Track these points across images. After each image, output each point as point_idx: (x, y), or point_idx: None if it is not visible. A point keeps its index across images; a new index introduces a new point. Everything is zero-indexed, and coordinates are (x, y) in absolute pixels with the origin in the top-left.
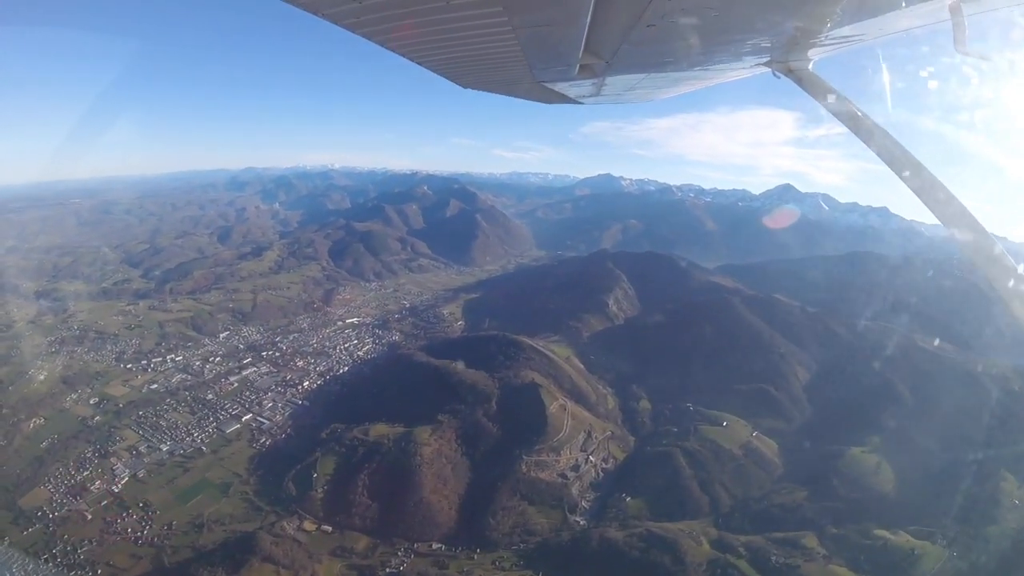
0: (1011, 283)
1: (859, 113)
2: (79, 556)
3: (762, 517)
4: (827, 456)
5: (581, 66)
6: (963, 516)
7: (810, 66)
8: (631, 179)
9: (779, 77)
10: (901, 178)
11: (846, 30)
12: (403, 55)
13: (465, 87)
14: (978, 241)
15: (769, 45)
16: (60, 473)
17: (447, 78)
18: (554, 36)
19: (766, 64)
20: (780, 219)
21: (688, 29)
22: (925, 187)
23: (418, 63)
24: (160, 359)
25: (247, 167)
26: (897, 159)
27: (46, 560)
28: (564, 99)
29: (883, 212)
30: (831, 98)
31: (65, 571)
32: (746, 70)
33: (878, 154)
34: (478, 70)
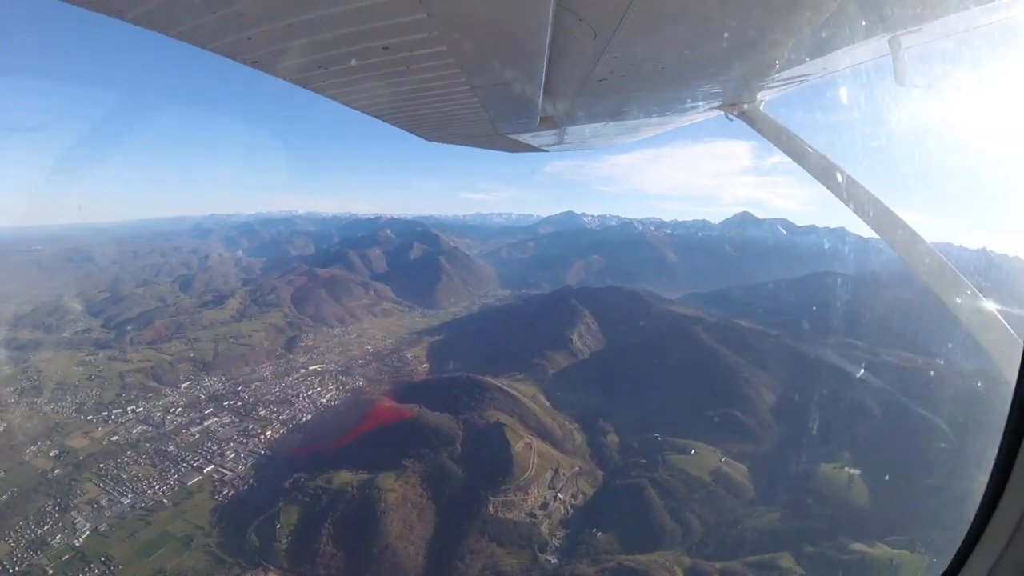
0: (954, 293)
1: (808, 149)
2: None
3: (736, 542)
4: (798, 476)
5: (541, 118)
6: (939, 522)
7: (760, 107)
8: (593, 215)
9: (731, 119)
10: (850, 207)
11: (793, 71)
12: (367, 113)
13: (429, 140)
14: (921, 254)
15: (720, 90)
16: (20, 527)
17: (413, 133)
18: (512, 94)
19: (718, 107)
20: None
21: (638, 81)
22: (874, 213)
23: (383, 120)
24: (120, 410)
25: (210, 214)
26: (845, 189)
27: None
28: (529, 148)
29: (840, 232)
30: (781, 136)
31: None
32: (700, 114)
33: (826, 185)
34: (442, 126)
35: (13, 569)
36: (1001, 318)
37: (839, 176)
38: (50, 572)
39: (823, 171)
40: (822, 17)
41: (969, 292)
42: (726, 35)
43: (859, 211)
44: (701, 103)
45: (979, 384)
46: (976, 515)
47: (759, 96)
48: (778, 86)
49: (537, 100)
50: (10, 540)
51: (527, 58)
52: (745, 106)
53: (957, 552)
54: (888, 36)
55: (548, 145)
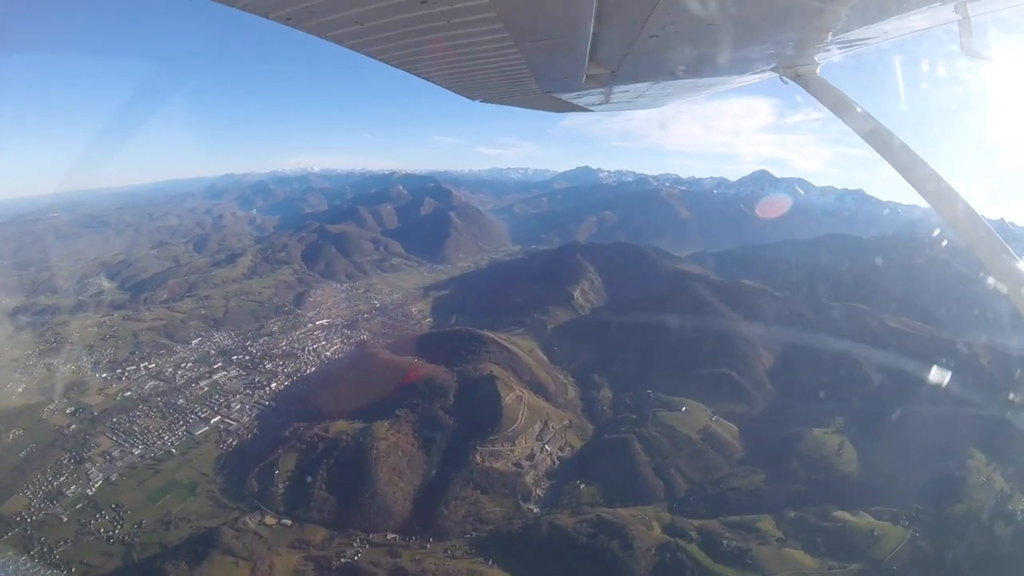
0: (1005, 266)
1: (865, 115)
2: (55, 556)
3: (718, 501)
4: (788, 439)
5: (587, 76)
6: (928, 495)
7: (817, 70)
8: (609, 171)
9: (786, 82)
10: (907, 179)
11: (852, 34)
12: (408, 71)
13: (473, 100)
14: (977, 233)
15: (775, 52)
16: (38, 480)
17: (455, 92)
18: (557, 50)
19: (772, 70)
20: (769, 209)
21: (691, 39)
22: (930, 186)
23: (425, 79)
24: (134, 367)
25: (226, 174)
26: (903, 160)
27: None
28: (573, 108)
29: (859, 195)
30: (837, 101)
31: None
32: (753, 76)
33: (882, 155)
34: (485, 84)
35: (31, 519)
36: None
37: (896, 145)
38: (65, 520)
39: (879, 139)
40: None
41: None
42: None
43: (915, 183)
44: (755, 64)
45: (985, 360)
46: None
47: (816, 58)
48: (836, 50)
49: (584, 57)
50: (28, 492)
51: (575, 12)
52: (800, 69)
53: None
54: (956, 2)
55: (593, 105)
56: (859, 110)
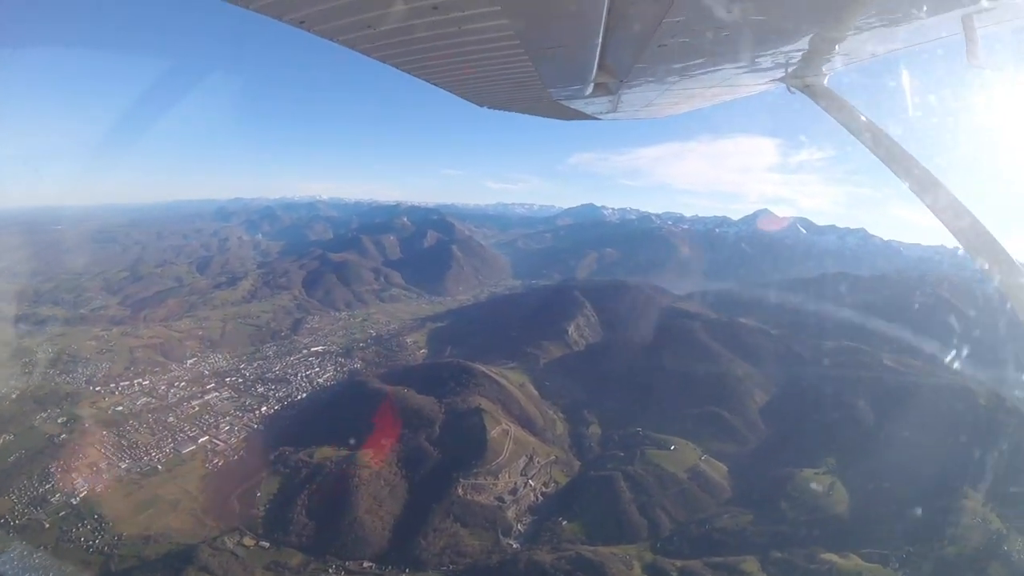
0: (1013, 280)
1: (875, 127)
2: (33, 560)
3: (703, 541)
4: (777, 478)
5: (596, 84)
6: (921, 536)
7: (825, 81)
8: (613, 208)
9: (793, 92)
10: (916, 193)
11: (860, 46)
12: (418, 76)
13: (481, 106)
14: (994, 255)
15: (783, 62)
16: (24, 485)
17: (463, 98)
18: (567, 57)
19: (780, 80)
20: (770, 224)
21: (699, 49)
22: (939, 201)
23: (434, 84)
24: (127, 383)
25: (235, 197)
26: (912, 172)
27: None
28: (581, 115)
29: (861, 233)
30: (845, 113)
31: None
32: (761, 85)
33: (890, 167)
34: (493, 90)
35: (14, 522)
36: None
37: (904, 159)
38: (47, 526)
39: (885, 149)
40: None
41: None
42: (795, 3)
43: (919, 193)
44: (764, 74)
45: (983, 400)
46: None
47: (824, 69)
48: (844, 61)
49: (592, 65)
50: (13, 496)
51: (584, 20)
52: (808, 80)
53: None
54: (961, 13)
55: (601, 112)
56: (865, 120)
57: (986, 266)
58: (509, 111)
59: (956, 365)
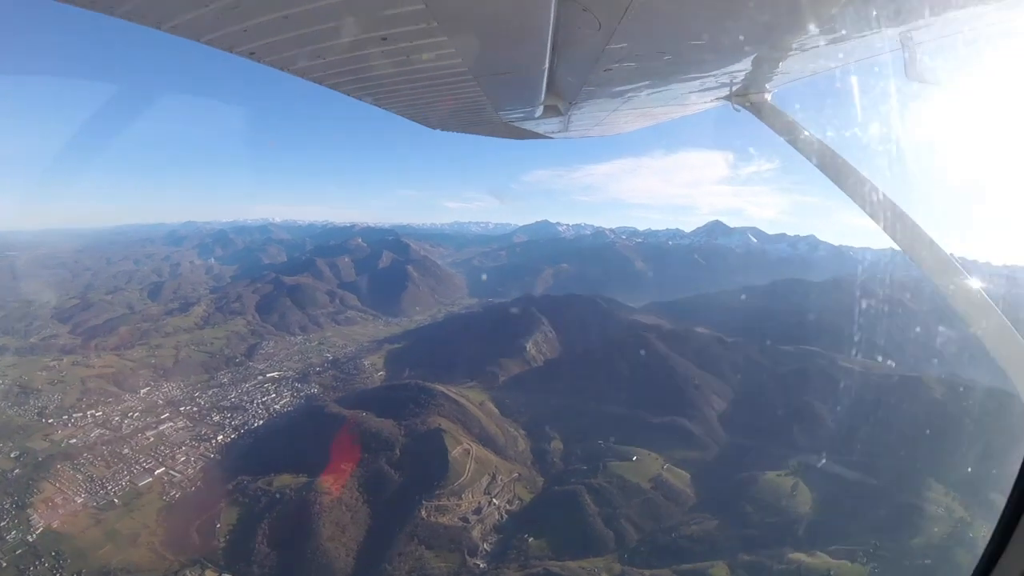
0: (966, 301)
1: (816, 140)
2: None
3: (670, 549)
4: (740, 483)
5: (545, 106)
6: (886, 529)
7: (768, 97)
8: (568, 224)
9: (739, 110)
10: (856, 201)
11: (802, 63)
12: (371, 103)
13: (433, 128)
14: (934, 257)
15: (728, 82)
16: None
17: (415, 121)
18: (515, 83)
19: (725, 98)
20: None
21: (644, 72)
22: (880, 209)
23: (386, 109)
24: (80, 414)
25: (187, 221)
26: (850, 181)
27: None
28: (533, 135)
29: (811, 240)
30: (789, 128)
31: None
32: (707, 104)
33: (833, 180)
34: (446, 114)
35: None
36: (1018, 334)
37: (846, 171)
38: (4, 564)
39: (830, 165)
40: (832, 9)
41: (986, 305)
42: (734, 26)
43: (864, 206)
44: (709, 93)
45: (938, 393)
46: (993, 535)
47: (767, 86)
48: (787, 78)
49: (540, 90)
50: None
51: (530, 49)
52: (753, 97)
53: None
54: (900, 30)
55: (552, 132)
56: (807, 135)
57: (922, 265)
58: (460, 132)
59: (909, 361)
